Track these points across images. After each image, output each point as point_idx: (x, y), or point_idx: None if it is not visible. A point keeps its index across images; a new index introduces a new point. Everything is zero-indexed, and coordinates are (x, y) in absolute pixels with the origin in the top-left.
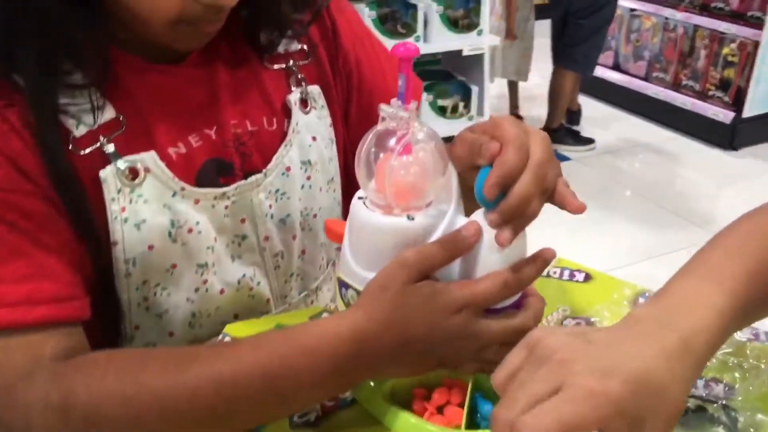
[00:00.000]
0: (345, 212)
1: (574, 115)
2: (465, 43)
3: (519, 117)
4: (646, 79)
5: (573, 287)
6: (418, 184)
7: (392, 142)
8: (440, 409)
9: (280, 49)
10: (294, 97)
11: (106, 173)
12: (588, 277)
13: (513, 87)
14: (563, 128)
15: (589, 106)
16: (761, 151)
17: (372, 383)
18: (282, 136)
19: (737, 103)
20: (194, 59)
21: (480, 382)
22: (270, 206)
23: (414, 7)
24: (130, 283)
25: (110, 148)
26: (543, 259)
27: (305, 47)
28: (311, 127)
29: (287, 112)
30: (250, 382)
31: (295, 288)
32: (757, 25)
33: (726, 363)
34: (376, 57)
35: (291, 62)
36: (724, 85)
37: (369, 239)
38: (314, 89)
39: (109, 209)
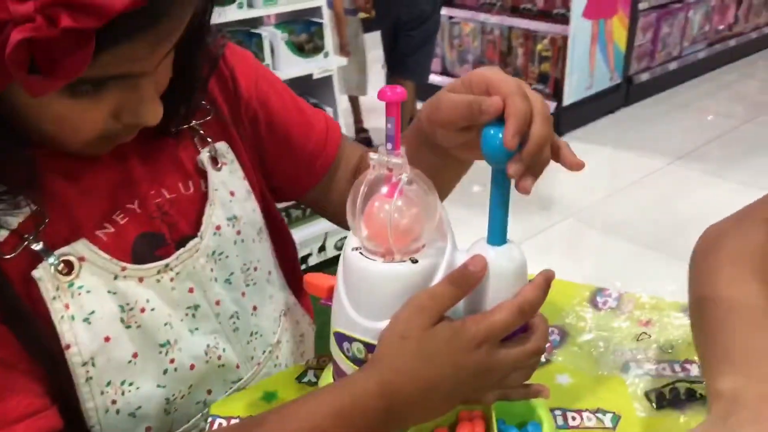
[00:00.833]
0: (280, 260)
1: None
2: (313, 67)
3: (364, 130)
4: None
5: None
6: (416, 226)
7: (386, 189)
8: None
9: (181, 110)
10: (204, 156)
11: (40, 272)
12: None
13: (354, 102)
14: None
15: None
16: (581, 133)
17: None
18: (201, 197)
19: (557, 94)
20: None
21: (499, 409)
22: (212, 269)
23: (258, 36)
24: (93, 389)
25: (38, 245)
26: (546, 279)
27: (205, 104)
28: (227, 183)
29: (201, 173)
30: None
31: (258, 347)
32: (564, 20)
33: (690, 345)
34: (279, 92)
35: (193, 122)
36: (543, 78)
37: (373, 289)
38: (221, 146)
39: (52, 309)
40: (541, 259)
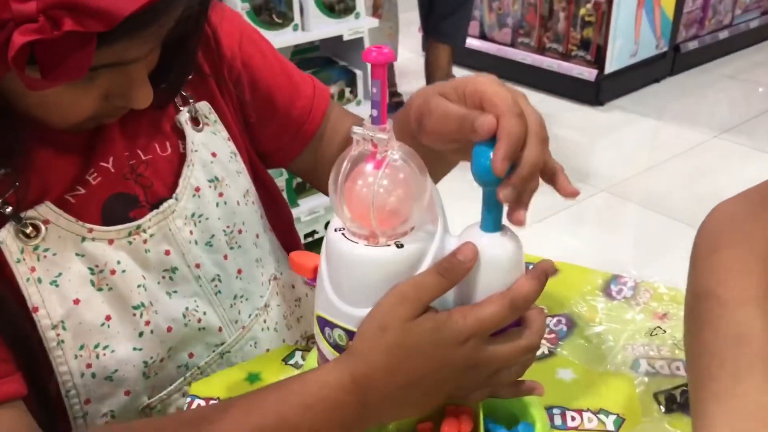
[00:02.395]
0: (272, 224)
1: None
2: (344, 28)
3: (398, 94)
4: (512, 45)
5: None
6: (404, 208)
7: (370, 167)
8: None
9: None
10: (183, 117)
11: (3, 236)
12: (555, 271)
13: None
14: None
15: (463, 76)
16: (624, 102)
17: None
18: (179, 158)
19: (599, 61)
20: None
21: (489, 406)
22: (191, 232)
23: None
24: (65, 353)
25: (8, 209)
26: (543, 271)
27: None
28: (208, 144)
29: (179, 134)
30: None
31: (243, 310)
32: None
33: None
34: (265, 54)
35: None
36: (584, 44)
37: (355, 274)
38: (203, 105)
39: (18, 273)
40: (575, 230)
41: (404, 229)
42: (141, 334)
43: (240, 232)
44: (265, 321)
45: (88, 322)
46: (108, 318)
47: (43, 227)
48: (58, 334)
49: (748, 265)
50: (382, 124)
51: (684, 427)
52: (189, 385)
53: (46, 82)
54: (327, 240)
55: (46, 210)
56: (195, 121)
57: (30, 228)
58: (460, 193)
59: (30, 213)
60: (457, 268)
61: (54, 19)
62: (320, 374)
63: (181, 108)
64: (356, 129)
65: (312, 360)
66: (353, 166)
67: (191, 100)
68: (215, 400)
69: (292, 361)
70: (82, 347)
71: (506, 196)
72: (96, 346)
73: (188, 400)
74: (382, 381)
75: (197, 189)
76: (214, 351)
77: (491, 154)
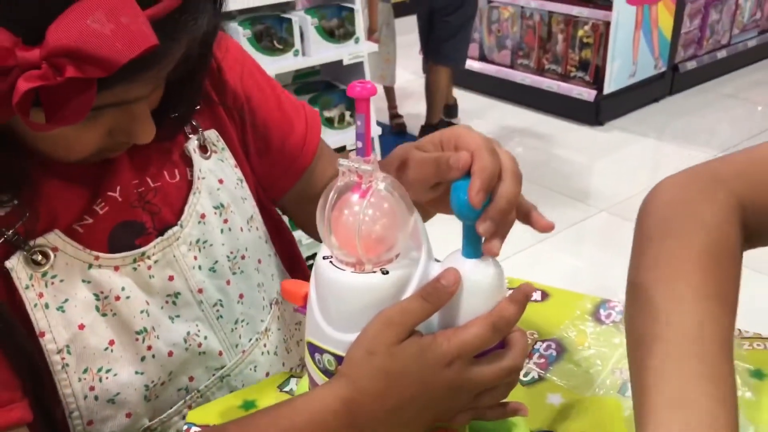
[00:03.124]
0: (277, 248)
1: (451, 108)
2: (344, 53)
3: (398, 116)
4: (511, 66)
5: (533, 308)
6: (389, 235)
7: (355, 197)
8: None
9: None
10: (192, 144)
11: (13, 263)
12: (545, 295)
13: (388, 88)
14: (443, 122)
15: (463, 98)
16: (623, 123)
17: None
18: (187, 185)
19: (597, 81)
20: None
21: (475, 428)
22: (195, 257)
23: (288, 21)
24: (70, 376)
25: (15, 237)
26: (524, 294)
27: None
28: (215, 171)
29: (187, 161)
30: None
31: (244, 334)
32: (607, 6)
33: None
34: (262, 88)
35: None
36: (583, 65)
37: (342, 300)
38: (211, 134)
39: (26, 299)
40: (575, 250)
41: (389, 256)
42: (143, 359)
43: (243, 257)
44: (265, 345)
45: (92, 347)
46: (111, 343)
47: (51, 254)
48: (63, 358)
49: (689, 263)
50: (367, 156)
51: None
52: (189, 407)
53: (50, 125)
54: (315, 267)
55: (54, 238)
56: (203, 149)
57: (39, 256)
58: (441, 218)
59: (39, 241)
60: (440, 293)
61: (57, 66)
62: (310, 399)
63: (191, 136)
64: (342, 161)
65: (304, 386)
66: (340, 196)
67: (200, 129)
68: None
69: (287, 388)
70: (85, 371)
71: (485, 229)
72: (99, 370)
73: (185, 427)
74: (370, 405)
75: (203, 216)
76: (214, 375)
77: (468, 189)
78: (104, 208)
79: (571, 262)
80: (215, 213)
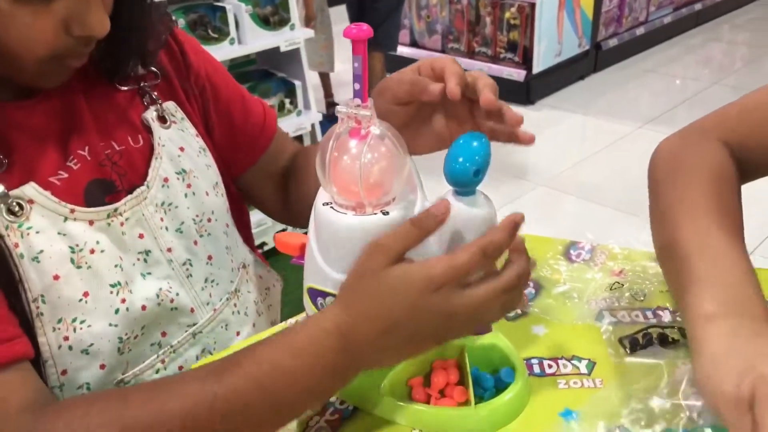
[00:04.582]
0: (235, 215)
1: None
2: (280, 40)
3: (335, 104)
4: (442, 50)
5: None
6: (388, 178)
7: (354, 141)
8: (442, 392)
9: (130, 72)
10: (150, 114)
11: None
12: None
13: (324, 76)
14: None
15: None
16: (553, 100)
17: (366, 383)
18: (150, 150)
19: (526, 62)
20: (53, 93)
21: (473, 356)
22: (162, 219)
23: (222, 9)
24: (44, 325)
25: None
26: (513, 221)
27: (154, 69)
28: (175, 140)
29: (149, 129)
30: (244, 394)
31: (215, 294)
32: None
33: (661, 292)
34: (222, 73)
35: (142, 83)
36: (512, 47)
37: (346, 242)
38: (170, 105)
39: (2, 248)
40: None
41: (388, 198)
42: (117, 311)
43: (209, 220)
44: (235, 305)
45: (67, 297)
46: (86, 294)
47: (27, 206)
48: (37, 307)
49: (701, 185)
50: (365, 101)
51: (646, 365)
52: (162, 363)
53: None
54: (316, 214)
55: (31, 190)
56: (162, 119)
57: (16, 207)
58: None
59: (16, 192)
60: (430, 220)
61: None
62: (307, 324)
63: (149, 107)
64: (340, 108)
65: None
66: (340, 142)
67: (159, 101)
68: None
69: None
70: (60, 320)
71: (486, 98)
72: (74, 320)
73: None
74: (362, 326)
75: (166, 179)
76: (186, 331)
77: (460, 158)
78: (77, 165)
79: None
80: (178, 178)
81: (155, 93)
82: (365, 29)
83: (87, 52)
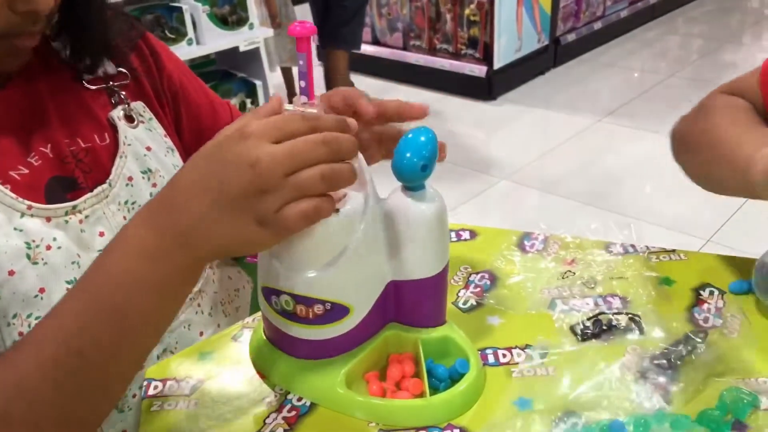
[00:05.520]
0: None
1: None
2: (239, 39)
3: None
4: (404, 48)
5: (464, 246)
6: None
7: None
8: (398, 385)
9: (99, 72)
10: (116, 113)
11: None
12: (473, 234)
13: (288, 75)
14: None
15: (359, 82)
16: (514, 96)
17: (322, 379)
18: (116, 149)
19: (487, 58)
20: (12, 86)
21: (428, 348)
22: (124, 217)
23: (178, 9)
24: None
25: None
26: (344, 119)
27: (123, 70)
28: (142, 140)
29: (115, 128)
30: (88, 319)
31: None
32: None
33: (611, 279)
34: (191, 77)
35: (110, 83)
36: (472, 43)
37: (297, 240)
38: (137, 105)
39: None
40: (479, 220)
41: (339, 195)
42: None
43: None
44: (199, 305)
45: (22, 293)
46: (41, 290)
47: None
48: None
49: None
50: (311, 99)
51: (597, 350)
52: None
53: None
54: None
55: None
56: (129, 118)
57: None
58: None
59: None
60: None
61: None
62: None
63: (117, 106)
64: (288, 106)
65: (259, 333)
66: None
67: (127, 101)
68: (172, 380)
69: (241, 338)
70: (15, 316)
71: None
72: (29, 316)
73: (145, 383)
74: (166, 191)
75: (130, 178)
76: None
77: (408, 153)
78: (38, 161)
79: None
80: (143, 177)
81: (123, 93)
82: (309, 26)
83: (36, 32)
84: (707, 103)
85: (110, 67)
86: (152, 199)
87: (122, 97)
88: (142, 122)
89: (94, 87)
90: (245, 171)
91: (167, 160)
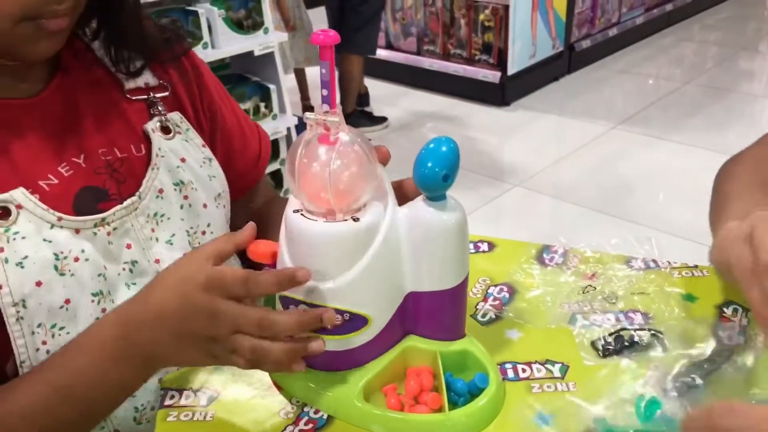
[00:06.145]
0: (233, 227)
1: (363, 97)
2: (254, 44)
3: (311, 108)
4: (418, 53)
5: (483, 258)
6: (357, 184)
7: (323, 148)
8: (416, 399)
9: (140, 83)
10: (152, 125)
11: None
12: (492, 246)
13: (302, 78)
14: (357, 111)
15: (373, 87)
16: (528, 101)
17: (340, 391)
18: (149, 161)
19: (501, 63)
20: (50, 91)
21: (447, 362)
22: (152, 230)
23: (194, 13)
24: (23, 328)
25: None
26: (289, 276)
27: (163, 82)
28: (177, 151)
29: (149, 139)
30: (49, 404)
31: None
32: None
33: (633, 294)
34: (227, 102)
35: (151, 94)
36: (486, 48)
37: (316, 249)
38: (174, 116)
39: None
40: (492, 226)
41: (358, 205)
42: (97, 320)
43: (204, 233)
44: None
45: (48, 304)
46: (67, 302)
47: (14, 211)
48: (18, 311)
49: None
50: (333, 108)
51: (618, 367)
52: None
53: None
54: (287, 221)
55: (20, 195)
56: (165, 129)
57: (1, 211)
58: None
59: (4, 196)
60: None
61: None
62: (97, 321)
63: (154, 117)
64: (309, 114)
65: None
66: (309, 149)
67: (164, 112)
68: (188, 390)
69: None
70: (39, 325)
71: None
72: (53, 327)
73: (161, 393)
74: (137, 312)
75: (161, 191)
76: None
77: (430, 162)
78: (69, 172)
79: (493, 235)
80: (175, 189)
81: (162, 105)
82: (332, 35)
83: (62, 11)
84: (752, 148)
85: (152, 79)
86: (130, 302)
87: (160, 109)
88: (179, 133)
89: (134, 98)
90: (207, 321)
91: (202, 171)
